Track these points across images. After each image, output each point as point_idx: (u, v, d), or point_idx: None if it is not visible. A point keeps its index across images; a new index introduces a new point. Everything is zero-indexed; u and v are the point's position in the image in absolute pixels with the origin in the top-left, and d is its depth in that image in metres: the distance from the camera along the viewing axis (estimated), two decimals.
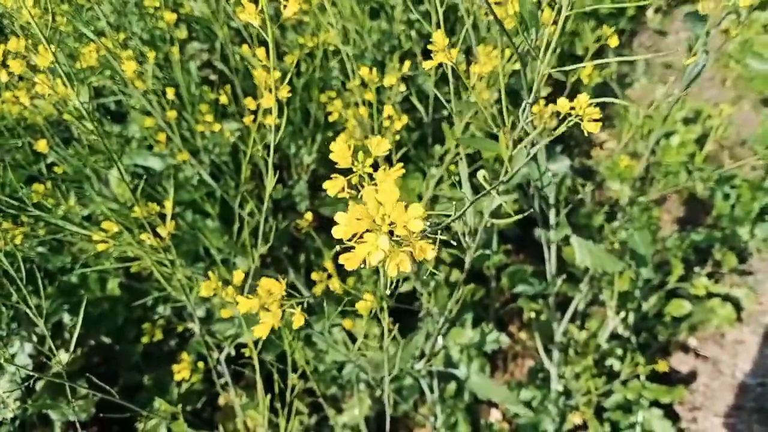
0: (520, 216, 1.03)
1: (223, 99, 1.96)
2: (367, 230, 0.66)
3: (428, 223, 0.82)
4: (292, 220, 2.20)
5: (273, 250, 2.21)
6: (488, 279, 2.42)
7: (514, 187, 2.14)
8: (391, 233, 0.67)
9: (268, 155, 1.25)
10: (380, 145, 0.85)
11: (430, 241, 0.70)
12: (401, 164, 0.85)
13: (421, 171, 2.28)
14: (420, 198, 2.21)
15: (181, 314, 2.08)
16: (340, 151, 0.84)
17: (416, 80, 2.43)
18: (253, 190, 2.24)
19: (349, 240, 0.66)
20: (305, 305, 1.04)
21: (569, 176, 2.48)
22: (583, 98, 0.82)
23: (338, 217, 0.68)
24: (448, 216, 0.92)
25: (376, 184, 0.80)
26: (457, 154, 1.88)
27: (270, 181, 1.32)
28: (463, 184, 1.16)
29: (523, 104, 0.95)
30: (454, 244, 0.91)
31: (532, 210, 1.88)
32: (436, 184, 2.09)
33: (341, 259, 0.66)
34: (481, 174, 1.05)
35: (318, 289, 1.63)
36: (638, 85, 3.34)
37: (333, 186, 0.83)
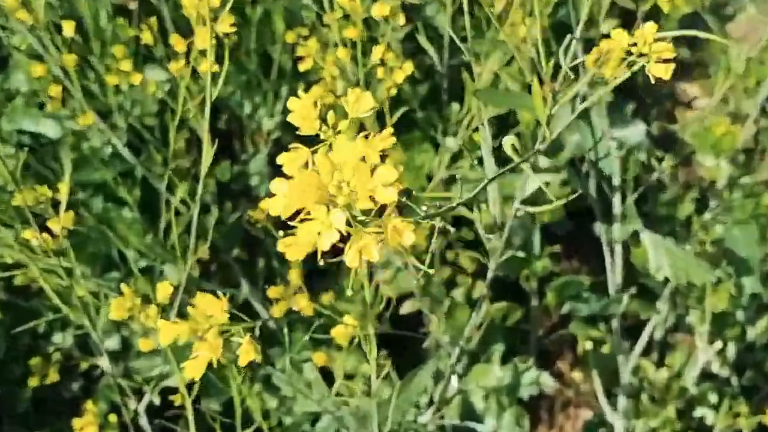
0: (562, 201, 1.03)
1: (146, 37, 1.94)
2: (317, 203, 0.67)
3: (427, 208, 0.85)
4: (245, 211, 2.17)
5: (218, 254, 2.20)
6: (527, 294, 2.41)
7: (563, 164, 2.15)
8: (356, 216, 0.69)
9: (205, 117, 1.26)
10: (360, 102, 0.84)
11: (410, 220, 0.72)
12: (391, 130, 0.83)
13: (433, 141, 2.27)
14: (430, 180, 2.16)
15: (87, 345, 2.07)
16: (301, 111, 0.85)
17: (423, 11, 2.41)
18: (190, 168, 2.21)
19: (292, 219, 0.68)
20: (261, 331, 1.03)
21: (644, 147, 2.46)
22: (648, 28, 0.82)
23: (275, 185, 0.69)
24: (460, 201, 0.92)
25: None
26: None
27: (207, 153, 1.30)
28: (484, 158, 1.16)
29: (567, 38, 0.96)
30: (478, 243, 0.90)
31: (584, 195, 1.86)
32: (453, 159, 2.05)
33: (280, 246, 0.68)
34: (508, 142, 1.06)
35: (278, 310, 1.63)
36: (743, 16, 3.32)
37: (292, 160, 0.80)
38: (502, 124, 2.15)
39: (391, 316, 2.04)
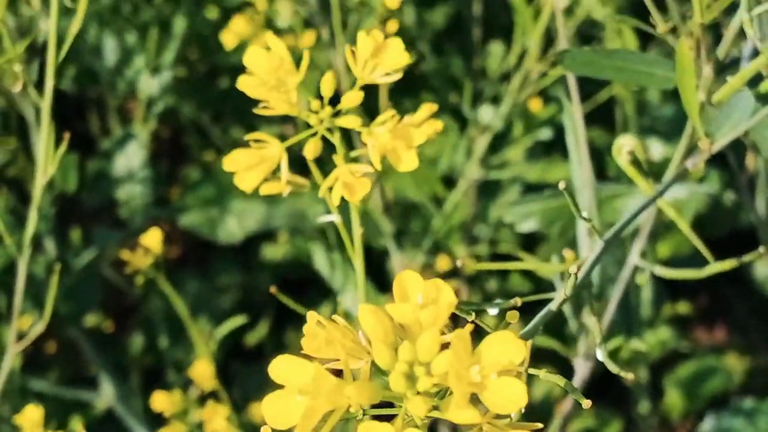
0: (717, 266, 0.94)
1: None
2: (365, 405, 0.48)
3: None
4: (109, 247, 1.67)
5: (59, 325, 1.68)
6: (629, 395, 1.78)
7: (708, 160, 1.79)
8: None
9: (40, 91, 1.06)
10: (384, 54, 0.71)
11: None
12: (431, 106, 0.72)
13: (454, 113, 1.74)
14: (449, 183, 1.55)
15: None
16: (268, 71, 0.68)
17: None
18: (5, 167, 1.76)
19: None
20: None
21: None
22: None
23: (270, 405, 0.50)
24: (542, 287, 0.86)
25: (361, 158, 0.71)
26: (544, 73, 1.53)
27: (46, 141, 1.06)
28: (571, 156, 0.99)
29: None
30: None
31: (733, 211, 1.61)
32: (492, 146, 1.52)
33: None
34: (621, 148, 0.87)
35: None
36: None
37: (248, 165, 0.68)
38: (588, 87, 1.69)
39: None
